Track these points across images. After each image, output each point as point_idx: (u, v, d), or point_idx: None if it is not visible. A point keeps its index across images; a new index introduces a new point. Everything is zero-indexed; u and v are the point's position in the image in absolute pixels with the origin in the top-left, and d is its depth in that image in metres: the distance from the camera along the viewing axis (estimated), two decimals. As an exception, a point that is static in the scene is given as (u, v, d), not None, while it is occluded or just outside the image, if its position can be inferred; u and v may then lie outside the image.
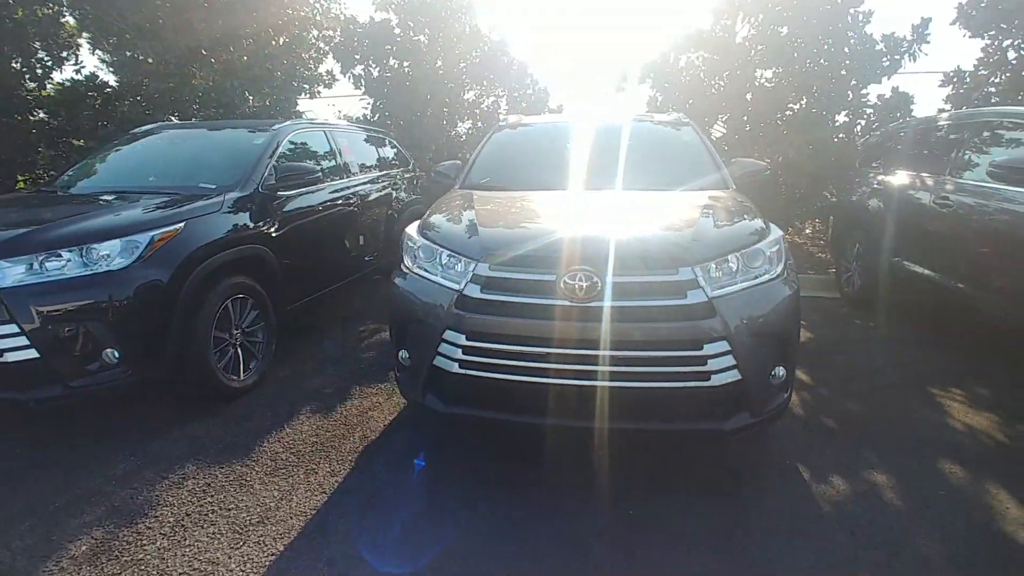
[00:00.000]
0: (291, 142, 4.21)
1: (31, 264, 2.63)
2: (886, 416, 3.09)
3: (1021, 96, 7.19)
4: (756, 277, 2.29)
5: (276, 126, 4.22)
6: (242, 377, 3.40)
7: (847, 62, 7.34)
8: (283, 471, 2.63)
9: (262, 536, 2.18)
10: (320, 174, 3.96)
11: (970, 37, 7.57)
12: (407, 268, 2.65)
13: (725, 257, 2.27)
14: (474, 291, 2.29)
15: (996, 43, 7.57)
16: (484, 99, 9.46)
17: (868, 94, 7.43)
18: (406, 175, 6.14)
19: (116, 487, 2.51)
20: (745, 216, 2.64)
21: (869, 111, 7.53)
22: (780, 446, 2.77)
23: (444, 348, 2.35)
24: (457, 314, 2.30)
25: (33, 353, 2.59)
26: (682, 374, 2.17)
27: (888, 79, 7.28)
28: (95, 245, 2.73)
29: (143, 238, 2.85)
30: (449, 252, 2.48)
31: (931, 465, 2.61)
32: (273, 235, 3.67)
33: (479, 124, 9.42)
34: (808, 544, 2.09)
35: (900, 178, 4.76)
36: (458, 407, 2.38)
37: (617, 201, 2.97)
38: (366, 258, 4.99)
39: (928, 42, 6.93)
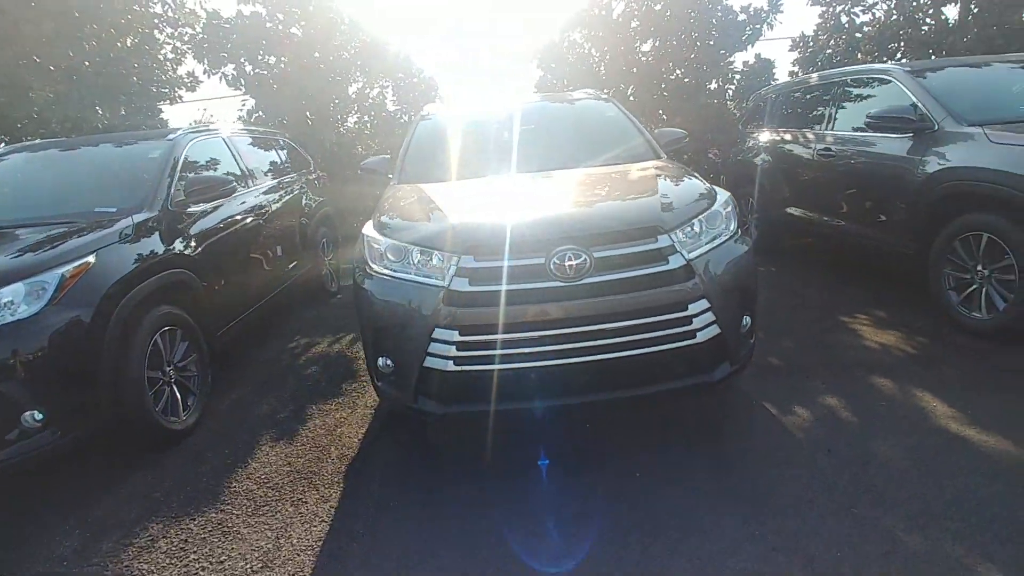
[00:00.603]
0: (191, 152, 3.79)
1: None
2: (816, 347, 3.47)
3: (859, 56, 8.25)
4: (718, 237, 2.46)
5: (171, 136, 3.78)
6: (182, 417, 3.06)
7: (714, 33, 7.97)
8: (266, 508, 2.42)
9: (274, 580, 2.01)
10: (234, 184, 3.61)
11: (811, 5, 8.54)
12: (373, 271, 2.52)
13: (691, 221, 2.40)
14: (462, 285, 2.24)
15: (831, 10, 8.61)
16: (368, 90, 9.12)
17: (734, 61, 8.15)
18: (309, 177, 5.78)
19: (72, 568, 2.18)
20: (693, 181, 2.80)
21: (737, 76, 8.27)
22: (744, 390, 3.01)
23: (435, 348, 2.27)
24: (447, 311, 2.23)
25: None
26: (672, 336, 2.28)
27: (752, 47, 8.01)
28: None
29: (50, 277, 2.45)
30: (422, 249, 2.39)
31: (866, 383, 2.98)
32: (192, 256, 3.32)
33: (365, 118, 9.08)
34: (798, 468, 2.31)
35: (784, 135, 5.29)
36: (457, 405, 2.32)
37: (571, 179, 3.01)
38: (287, 268, 4.67)
39: (781, 11, 7.71)
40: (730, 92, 8.38)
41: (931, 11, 7.91)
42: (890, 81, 4.11)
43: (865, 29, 8.28)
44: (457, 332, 2.23)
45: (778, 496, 2.16)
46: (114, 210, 3.14)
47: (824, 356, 3.33)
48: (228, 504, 2.47)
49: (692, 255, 2.31)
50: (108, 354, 2.58)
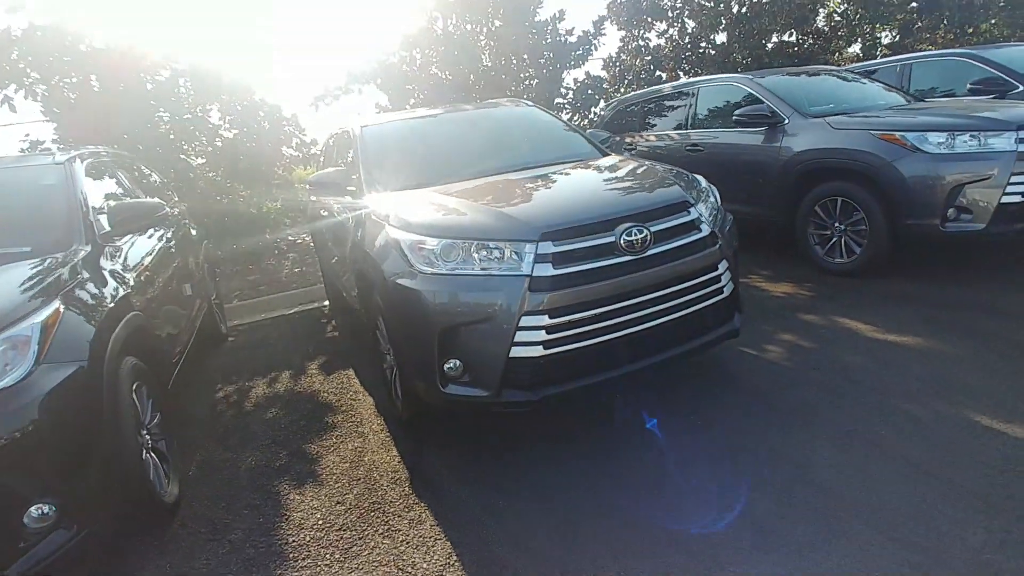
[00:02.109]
0: (89, 178, 3.10)
1: None
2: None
3: (659, 74, 9.84)
4: (716, 207, 2.90)
5: (60, 159, 3.05)
6: (168, 488, 2.54)
7: (548, 53, 8.81)
8: (356, 549, 2.18)
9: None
10: (165, 209, 3.05)
11: (618, 29, 9.93)
12: (423, 272, 2.43)
13: (700, 195, 2.80)
14: (546, 270, 2.31)
15: (634, 33, 10.12)
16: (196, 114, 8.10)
17: (565, 78, 9.10)
18: (180, 207, 5.02)
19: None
20: (667, 167, 3.22)
21: (570, 91, 9.23)
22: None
23: (521, 336, 2.30)
24: (534, 297, 2.28)
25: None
26: (710, 292, 2.64)
27: (583, 65, 9.03)
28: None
29: (28, 328, 1.89)
30: (481, 243, 2.39)
31: (799, 319, 3.70)
32: (133, 297, 2.75)
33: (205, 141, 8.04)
34: (806, 385, 2.84)
35: (649, 138, 6.14)
36: (548, 389, 2.37)
37: (566, 174, 3.19)
38: (195, 309, 4.04)
39: (604, 34, 8.85)
40: (565, 106, 9.32)
41: (705, 37, 9.85)
42: (739, 87, 5.11)
43: (664, 51, 9.96)
44: (546, 316, 2.30)
45: (808, 405, 2.65)
46: (27, 249, 2.49)
47: (755, 307, 4.02)
48: (309, 560, 2.16)
49: (712, 224, 2.71)
50: (106, 421, 2.06)
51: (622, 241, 2.39)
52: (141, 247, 3.12)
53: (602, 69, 10.34)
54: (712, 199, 2.94)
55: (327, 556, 2.15)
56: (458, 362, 2.42)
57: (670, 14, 9.89)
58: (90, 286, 2.34)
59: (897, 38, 10.48)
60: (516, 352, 2.32)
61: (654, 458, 2.45)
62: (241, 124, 8.05)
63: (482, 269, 2.38)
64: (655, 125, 6.17)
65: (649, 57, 10.19)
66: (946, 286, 3.91)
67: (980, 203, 3.66)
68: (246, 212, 7.76)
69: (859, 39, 10.64)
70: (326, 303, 5.91)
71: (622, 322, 2.41)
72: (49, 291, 2.11)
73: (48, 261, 2.36)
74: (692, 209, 2.65)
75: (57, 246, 2.53)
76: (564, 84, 9.12)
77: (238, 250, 7.44)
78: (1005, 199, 3.59)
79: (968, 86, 5.41)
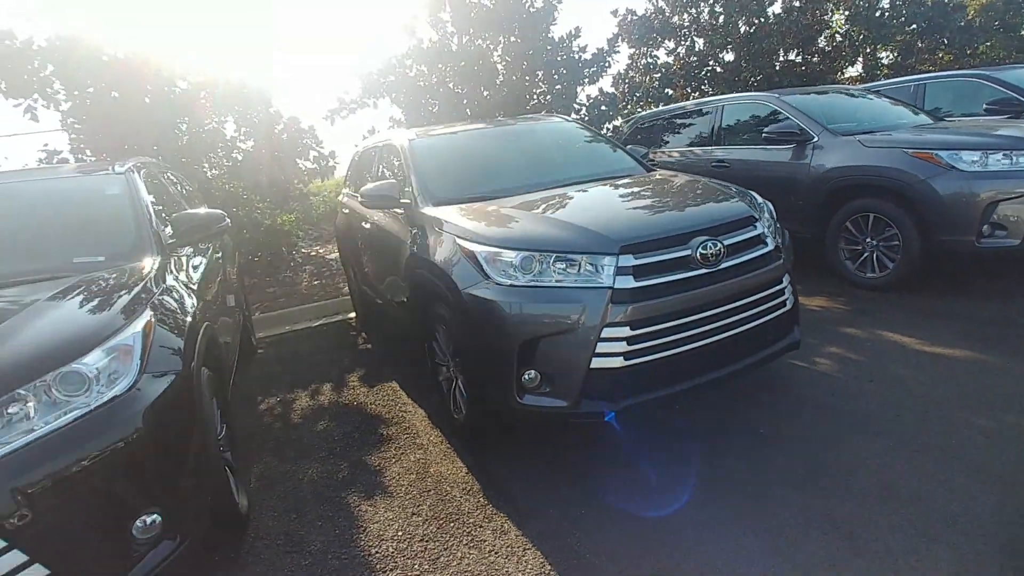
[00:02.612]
0: (148, 188, 3.11)
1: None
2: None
3: (668, 92, 10.01)
4: (773, 222, 2.96)
5: (120, 168, 3.05)
6: (239, 499, 2.53)
7: (563, 70, 8.94)
8: (444, 559, 2.18)
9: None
10: (227, 220, 3.05)
11: (629, 47, 10.11)
12: (500, 283, 2.46)
13: (759, 210, 2.87)
14: (627, 283, 2.35)
15: (642, 51, 10.30)
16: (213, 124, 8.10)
17: (579, 95, 9.22)
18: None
19: None
20: (721, 183, 3.29)
21: (583, 108, 9.35)
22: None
23: (603, 347, 2.33)
24: (616, 309, 2.32)
25: (38, 572, 1.52)
26: (775, 305, 2.69)
27: (597, 83, 9.17)
28: (77, 365, 1.71)
29: (129, 337, 1.89)
30: (560, 255, 2.43)
31: (841, 332, 3.76)
32: (203, 308, 2.75)
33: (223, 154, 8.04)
34: (864, 395, 2.88)
35: (672, 153, 6.24)
36: (627, 399, 2.39)
37: (631, 189, 3.23)
38: (239, 321, 4.03)
39: (618, 51, 8.99)
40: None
41: (713, 55, 10.07)
42: (765, 105, 5.23)
43: (673, 68, 10.16)
44: (628, 327, 2.33)
45: (872, 417, 2.70)
46: (101, 259, 2.49)
47: (792, 321, 4.08)
48: (397, 571, 2.15)
49: (774, 238, 2.77)
50: (198, 431, 2.06)
51: (698, 254, 2.44)
52: (197, 257, 3.12)
53: (612, 86, 10.51)
54: (768, 214, 3.00)
55: (415, 567, 2.15)
56: (536, 373, 2.44)
57: (680, 33, 10.09)
58: (169, 297, 2.34)
59: (898, 59, 10.75)
60: (597, 363, 2.35)
61: (730, 470, 2.47)
62: (259, 136, 8.06)
63: (562, 281, 2.41)
64: (677, 142, 6.27)
65: (659, 74, 10.37)
66: (981, 302, 4.00)
67: (1014, 219, 3.77)
68: (262, 223, 7.74)
69: (861, 59, 10.91)
70: (351, 315, 5.91)
71: (697, 334, 2.45)
72: (139, 301, 2.11)
73: (129, 270, 2.36)
74: (757, 224, 2.71)
75: (130, 256, 2.53)
76: (577, 100, 9.25)
77: (256, 263, 7.42)
78: (1040, 216, 3.70)
79: (984, 106, 5.57)
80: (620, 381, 2.39)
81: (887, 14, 10.46)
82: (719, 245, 2.49)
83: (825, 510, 2.13)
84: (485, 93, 8.77)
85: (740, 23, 9.60)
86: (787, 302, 2.76)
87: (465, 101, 8.82)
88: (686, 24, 10.11)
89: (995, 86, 5.87)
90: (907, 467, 2.31)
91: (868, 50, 11.10)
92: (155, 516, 1.77)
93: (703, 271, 2.45)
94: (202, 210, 3.03)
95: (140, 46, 6.98)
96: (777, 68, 9.60)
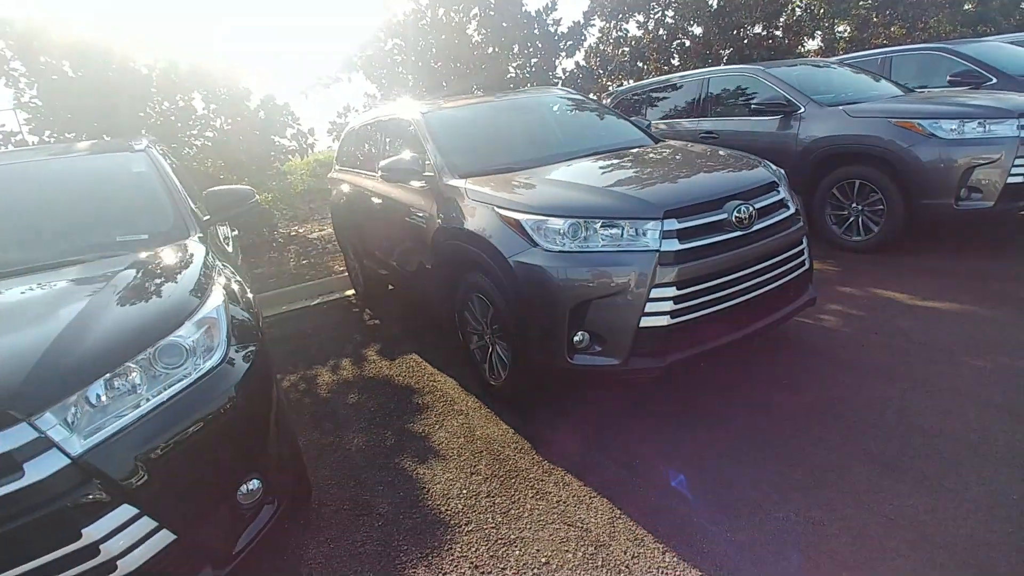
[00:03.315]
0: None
1: (87, 402, 1.53)
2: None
3: (641, 64, 10.15)
4: (788, 188, 3.14)
5: (139, 145, 2.97)
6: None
7: (539, 44, 8.94)
8: (514, 512, 2.30)
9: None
10: (255, 196, 3.01)
11: (601, 20, 10.17)
12: (551, 250, 2.55)
13: (780, 177, 3.04)
14: (673, 245, 2.48)
15: (613, 24, 10.38)
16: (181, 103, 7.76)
17: (557, 67, 9.27)
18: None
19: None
20: (735, 152, 3.45)
21: (559, 81, 9.41)
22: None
23: (650, 307, 2.47)
24: (664, 270, 2.45)
25: (166, 537, 1.56)
26: (797, 265, 2.89)
27: (573, 56, 9.22)
28: (174, 337, 1.72)
29: (213, 310, 1.91)
30: (606, 221, 2.54)
31: (839, 290, 4.03)
32: (245, 284, 2.74)
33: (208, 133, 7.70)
34: (868, 347, 3.14)
35: (657, 126, 6.39)
36: (674, 355, 2.55)
37: (653, 156, 3.34)
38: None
39: (593, 25, 9.04)
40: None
41: (682, 28, 10.26)
42: (754, 79, 5.43)
43: (643, 42, 10.30)
44: (674, 287, 2.47)
45: (884, 365, 2.95)
46: (145, 237, 2.45)
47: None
48: (473, 524, 2.26)
49: (792, 202, 2.95)
50: (276, 400, 2.10)
51: (733, 217, 2.60)
52: (223, 234, 3.09)
53: (584, 59, 10.55)
54: (785, 180, 3.18)
55: (490, 520, 2.26)
56: (586, 334, 2.56)
57: (649, 6, 10.21)
58: (222, 274, 2.33)
59: (855, 32, 11.20)
60: (645, 322, 2.48)
61: (769, 419, 2.67)
62: (230, 112, 7.78)
63: (609, 245, 2.52)
64: (662, 114, 6.43)
65: (628, 48, 10.51)
66: (960, 259, 4.34)
67: (988, 183, 4.09)
68: (241, 203, 7.53)
69: (820, 33, 11.31)
70: (349, 292, 5.88)
71: (734, 292, 2.62)
72: (206, 276, 2.11)
73: (180, 248, 2.34)
74: (780, 188, 2.89)
75: (173, 234, 2.49)
76: (554, 74, 9.28)
77: (240, 243, 7.23)
78: (1010, 180, 4.03)
79: (948, 78, 5.94)
80: (666, 338, 2.54)
81: (843, -12, 10.85)
82: (751, 208, 2.65)
83: (863, 446, 2.36)
84: (467, 67, 8.70)
85: (710, -3, 9.82)
86: (805, 262, 2.96)
87: (442, 76, 8.73)
88: (658, -2, 10.24)
89: (956, 59, 6.25)
90: (926, 406, 2.57)
91: (826, 24, 11.51)
92: (256, 481, 1.83)
93: (738, 233, 2.61)
94: (235, 186, 2.97)
95: (102, 23, 6.63)
96: (745, 42, 9.87)
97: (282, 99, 8.20)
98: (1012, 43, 6.62)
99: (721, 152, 3.36)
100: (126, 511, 1.47)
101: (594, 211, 2.59)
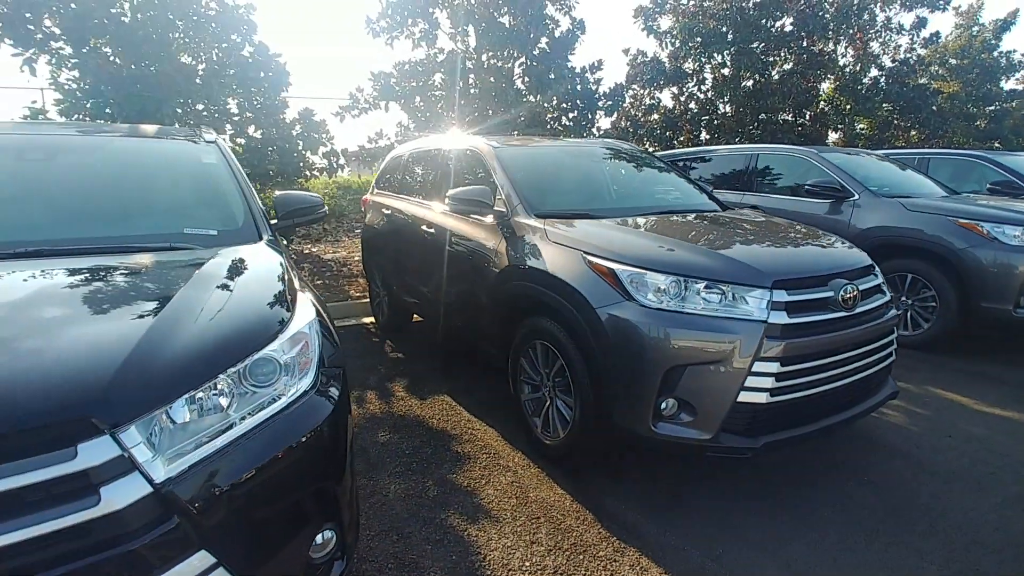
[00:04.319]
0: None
1: (170, 419, 1.28)
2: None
3: (670, 134, 10.34)
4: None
5: (209, 136, 2.79)
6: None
7: (579, 103, 9.07)
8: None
9: None
10: (325, 207, 2.82)
11: (639, 88, 10.41)
12: (647, 306, 2.37)
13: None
14: (781, 318, 2.32)
15: (648, 91, 10.63)
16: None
17: (597, 123, 9.39)
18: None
19: None
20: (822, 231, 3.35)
21: (593, 136, 9.52)
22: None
23: (751, 381, 2.28)
24: (769, 344, 2.28)
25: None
26: (887, 354, 2.74)
27: (611, 116, 9.34)
28: (268, 352, 1.49)
29: (305, 325, 1.68)
30: (711, 283, 2.38)
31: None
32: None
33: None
34: (952, 457, 2.96)
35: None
36: (769, 436, 2.34)
37: (739, 222, 3.22)
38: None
39: (633, 89, 9.21)
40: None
41: (713, 105, 10.55)
42: (803, 159, 5.45)
43: (676, 112, 10.54)
44: (778, 363, 2.29)
45: (963, 471, 2.76)
46: (214, 232, 2.23)
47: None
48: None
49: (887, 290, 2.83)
50: (351, 433, 1.84)
51: (840, 296, 2.45)
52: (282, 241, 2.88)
53: (617, 121, 10.74)
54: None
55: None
56: (675, 401, 2.36)
57: (686, 79, 10.50)
58: (306, 285, 2.11)
59: (876, 131, 11.58)
60: (744, 396, 2.29)
61: (852, 514, 2.45)
62: (268, 124, 7.67)
63: (710, 310, 2.35)
64: (706, 182, 6.42)
65: (656, 116, 10.74)
66: (1012, 367, 4.23)
67: (1048, 294, 4.04)
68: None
69: (842, 127, 11.68)
70: (367, 320, 5.63)
71: (833, 375, 2.45)
72: (291, 285, 1.89)
73: (256, 250, 2.12)
74: (877, 273, 2.77)
75: (243, 232, 2.28)
76: (592, 130, 9.39)
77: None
78: (1070, 293, 3.99)
79: (988, 186, 6.04)
80: (762, 417, 2.34)
81: (869, 90, 11.27)
82: (856, 289, 2.51)
83: (972, 565, 2.14)
84: (503, 111, 8.77)
85: (745, 78, 10.10)
86: (893, 352, 2.81)
87: (483, 117, 8.76)
88: (692, 71, 10.52)
89: (992, 167, 6.38)
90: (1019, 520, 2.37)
91: (848, 119, 11.91)
92: (330, 532, 1.56)
93: (843, 313, 2.47)
94: (306, 192, 2.78)
95: (158, 13, 6.56)
96: (774, 127, 10.13)
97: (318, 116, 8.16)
98: (1046, 161, 6.80)
99: (809, 228, 3.26)
100: (203, 559, 1.20)
101: (698, 271, 2.43)
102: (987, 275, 4.15)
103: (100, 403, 1.15)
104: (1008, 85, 15.16)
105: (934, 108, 10.76)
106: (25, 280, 1.65)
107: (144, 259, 1.86)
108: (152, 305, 1.52)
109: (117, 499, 1.10)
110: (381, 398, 3.75)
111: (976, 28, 15.47)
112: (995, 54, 15.24)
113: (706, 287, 2.39)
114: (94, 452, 1.11)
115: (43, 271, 1.72)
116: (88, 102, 6.09)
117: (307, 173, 8.07)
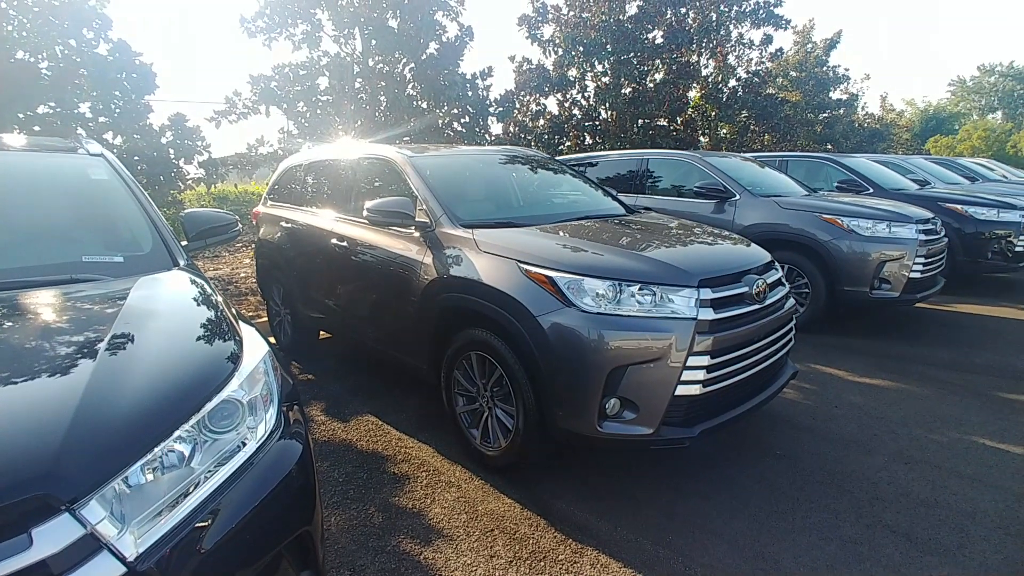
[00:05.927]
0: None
1: (129, 484, 1.11)
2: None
3: (559, 138, 10.74)
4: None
5: (94, 149, 2.43)
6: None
7: (469, 108, 9.12)
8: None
9: None
10: (239, 226, 2.56)
11: (525, 96, 10.68)
12: (586, 311, 2.45)
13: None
14: (709, 314, 2.49)
15: (534, 97, 10.95)
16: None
17: (487, 130, 9.48)
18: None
19: None
20: (719, 229, 3.65)
21: (486, 142, 9.62)
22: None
23: (686, 375, 2.44)
24: (701, 339, 2.45)
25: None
26: (790, 339, 3.05)
27: (502, 122, 9.48)
28: (228, 394, 1.34)
29: (259, 360, 1.53)
30: (643, 285, 2.51)
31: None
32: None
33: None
34: (842, 425, 3.37)
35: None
36: (704, 423, 2.51)
37: (654, 225, 3.38)
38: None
39: (523, 96, 9.41)
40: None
41: (595, 110, 11.15)
42: (692, 164, 5.92)
43: (561, 118, 10.96)
44: (708, 356, 2.47)
45: (853, 437, 3.16)
46: (120, 259, 1.97)
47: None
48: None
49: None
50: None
51: (753, 290, 2.70)
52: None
53: (507, 127, 10.95)
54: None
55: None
56: (617, 400, 2.45)
57: (570, 86, 10.96)
58: (241, 316, 1.93)
59: (737, 136, 12.88)
60: (681, 390, 2.44)
61: (774, 492, 2.71)
62: (129, 129, 6.87)
63: (646, 311, 2.48)
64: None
65: (543, 122, 11.13)
66: (874, 340, 4.90)
67: (895, 276, 4.74)
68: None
69: (709, 132, 12.86)
70: (271, 340, 5.24)
71: (752, 363, 2.69)
72: (229, 317, 1.72)
73: (181, 277, 1.90)
74: (777, 267, 3.08)
75: (154, 258, 2.03)
76: (484, 136, 9.48)
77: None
78: (912, 274, 4.71)
79: (836, 184, 6.94)
80: (696, 407, 2.51)
81: (729, 98, 12.51)
82: (765, 283, 2.78)
83: (878, 518, 2.45)
84: (394, 117, 8.58)
85: (624, 86, 10.77)
86: (793, 338, 3.14)
87: (376, 124, 8.50)
88: (575, 78, 11.03)
89: (838, 168, 7.36)
90: (911, 477, 2.76)
91: (713, 125, 13.13)
92: (307, 583, 1.44)
93: (756, 306, 2.71)
94: (217, 211, 2.51)
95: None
96: (655, 129, 10.93)
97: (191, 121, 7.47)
98: (877, 162, 7.96)
99: (714, 228, 3.54)
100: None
101: (631, 274, 2.54)
102: (847, 263, 4.78)
103: (52, 477, 0.96)
104: (836, 95, 17.74)
105: (783, 116, 12.22)
106: None
107: (47, 296, 1.59)
108: (83, 353, 1.31)
109: (86, 588, 0.93)
110: (302, 425, 3.51)
111: (810, 45, 17.90)
112: (824, 68, 17.71)
113: (639, 289, 2.51)
114: (52, 536, 0.93)
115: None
116: None
117: (180, 184, 7.35)
